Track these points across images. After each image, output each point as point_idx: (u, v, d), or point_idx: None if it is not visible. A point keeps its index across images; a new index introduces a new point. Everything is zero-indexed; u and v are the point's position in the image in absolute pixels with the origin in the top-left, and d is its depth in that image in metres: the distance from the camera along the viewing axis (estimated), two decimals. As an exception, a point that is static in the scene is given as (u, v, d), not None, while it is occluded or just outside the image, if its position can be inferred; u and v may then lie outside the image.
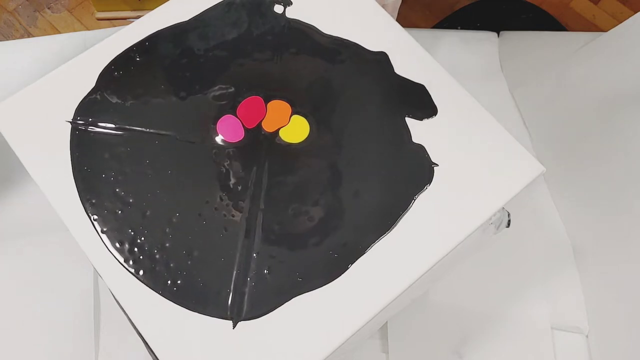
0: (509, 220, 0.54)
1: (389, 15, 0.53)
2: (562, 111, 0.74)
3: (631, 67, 0.62)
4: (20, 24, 1.11)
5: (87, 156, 0.46)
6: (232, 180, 0.46)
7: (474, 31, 0.84)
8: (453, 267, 0.54)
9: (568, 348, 0.69)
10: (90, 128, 0.47)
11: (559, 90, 0.74)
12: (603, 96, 0.66)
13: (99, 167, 0.46)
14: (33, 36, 1.12)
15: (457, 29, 1.02)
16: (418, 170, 0.46)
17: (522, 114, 0.79)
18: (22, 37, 1.11)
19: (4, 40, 0.86)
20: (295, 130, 0.48)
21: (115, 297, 0.42)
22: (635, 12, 0.63)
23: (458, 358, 0.65)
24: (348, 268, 0.42)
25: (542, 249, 0.72)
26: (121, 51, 0.50)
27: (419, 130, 0.48)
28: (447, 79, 0.50)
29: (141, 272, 0.42)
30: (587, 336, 0.69)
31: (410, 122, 0.48)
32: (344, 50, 0.51)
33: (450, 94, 0.49)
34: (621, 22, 0.65)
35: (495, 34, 0.84)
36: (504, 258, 0.69)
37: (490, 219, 0.47)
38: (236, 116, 0.48)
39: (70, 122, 0.47)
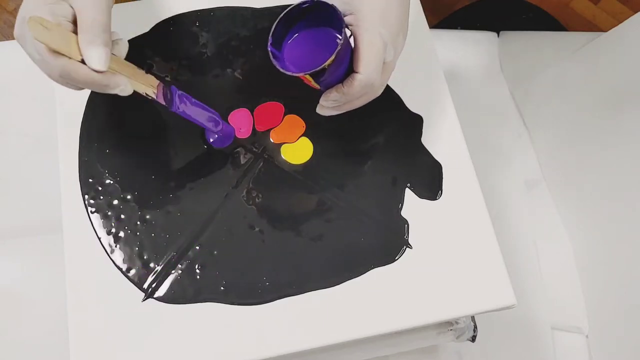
0: (474, 336, 0.53)
1: (444, 81, 0.49)
2: (562, 111, 0.74)
3: (631, 67, 0.62)
4: (20, 24, 1.11)
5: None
6: (215, 171, 0.45)
7: (474, 31, 0.84)
8: (397, 348, 0.54)
9: (568, 348, 0.69)
10: None
11: (559, 90, 0.74)
12: (603, 96, 0.66)
13: (110, 106, 0.46)
14: (33, 36, 1.11)
15: (457, 29, 1.02)
16: (389, 244, 0.44)
17: (522, 114, 0.79)
18: (22, 37, 1.11)
19: (4, 40, 0.86)
20: (297, 151, 0.46)
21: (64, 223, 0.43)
22: (635, 12, 0.63)
23: (458, 358, 0.65)
24: (274, 300, 0.42)
25: (542, 249, 0.72)
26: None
27: (414, 202, 0.45)
28: (468, 165, 0.47)
29: (94, 211, 0.43)
30: (587, 336, 0.69)
31: (407, 191, 0.46)
32: (385, 99, 0.47)
33: (464, 182, 0.46)
34: (621, 22, 0.64)
35: (495, 34, 0.84)
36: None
37: (448, 323, 0.45)
38: (251, 113, 0.47)
39: None
